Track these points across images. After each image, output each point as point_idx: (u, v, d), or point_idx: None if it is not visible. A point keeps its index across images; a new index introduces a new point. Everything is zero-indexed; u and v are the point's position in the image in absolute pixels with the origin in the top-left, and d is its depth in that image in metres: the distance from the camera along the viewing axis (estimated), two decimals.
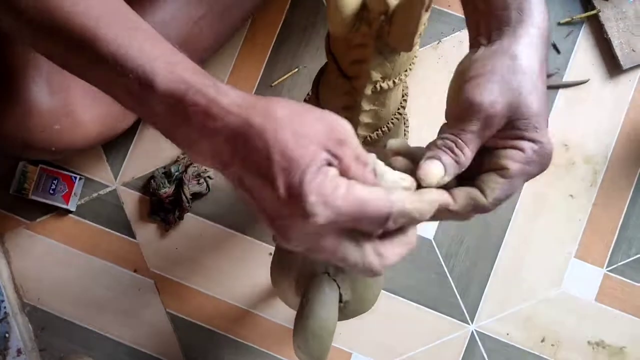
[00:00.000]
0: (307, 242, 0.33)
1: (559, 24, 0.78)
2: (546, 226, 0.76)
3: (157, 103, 0.35)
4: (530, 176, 0.37)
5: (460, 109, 0.37)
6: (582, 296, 0.75)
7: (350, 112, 0.46)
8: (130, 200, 0.78)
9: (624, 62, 0.77)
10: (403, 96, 0.49)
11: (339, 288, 0.48)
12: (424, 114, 0.77)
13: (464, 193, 0.37)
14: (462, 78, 0.38)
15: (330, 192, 0.31)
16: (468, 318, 0.75)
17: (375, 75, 0.42)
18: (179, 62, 0.36)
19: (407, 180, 0.36)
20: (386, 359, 0.75)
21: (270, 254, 0.75)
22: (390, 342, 0.75)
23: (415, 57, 0.45)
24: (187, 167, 0.75)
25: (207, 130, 0.33)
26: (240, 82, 0.78)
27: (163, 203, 0.76)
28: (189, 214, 0.77)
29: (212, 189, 0.76)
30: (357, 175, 0.33)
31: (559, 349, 0.74)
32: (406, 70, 0.44)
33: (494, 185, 0.37)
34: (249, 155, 0.32)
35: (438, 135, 0.38)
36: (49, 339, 0.77)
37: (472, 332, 0.75)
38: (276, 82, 0.78)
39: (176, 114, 0.34)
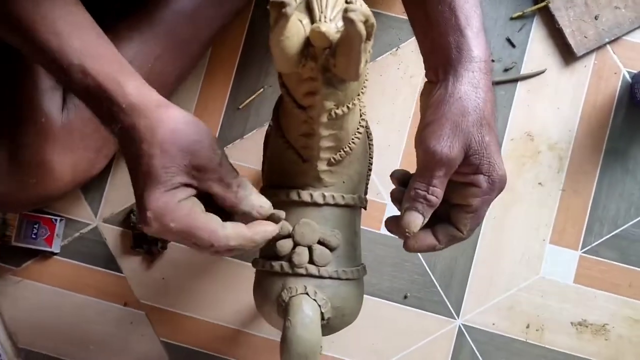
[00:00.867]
0: (153, 235, 0.42)
1: (511, 18, 0.80)
2: (519, 216, 0.78)
3: (75, 87, 0.42)
4: (490, 201, 0.44)
5: (425, 157, 0.43)
6: (561, 279, 0.77)
7: (310, 138, 0.47)
8: (112, 235, 0.79)
9: (578, 49, 0.79)
10: (361, 115, 0.51)
11: (320, 307, 0.50)
12: (389, 120, 0.79)
13: (444, 232, 0.45)
14: (422, 122, 0.45)
15: (168, 212, 0.39)
16: (454, 313, 0.77)
17: (329, 104, 0.43)
18: (101, 55, 0.43)
19: (265, 206, 0.45)
20: None
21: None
22: (380, 346, 0.77)
23: (366, 80, 0.47)
24: None
25: (110, 118, 0.41)
26: (208, 107, 0.79)
27: (145, 235, 0.77)
28: (171, 242, 0.78)
29: None
30: (218, 194, 0.42)
31: (544, 332, 0.77)
32: (359, 94, 0.46)
33: (465, 220, 0.44)
34: (129, 152, 0.41)
35: (410, 183, 0.45)
36: None
37: (459, 326, 0.77)
38: (243, 105, 0.79)
39: (89, 100, 0.43)
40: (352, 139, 0.50)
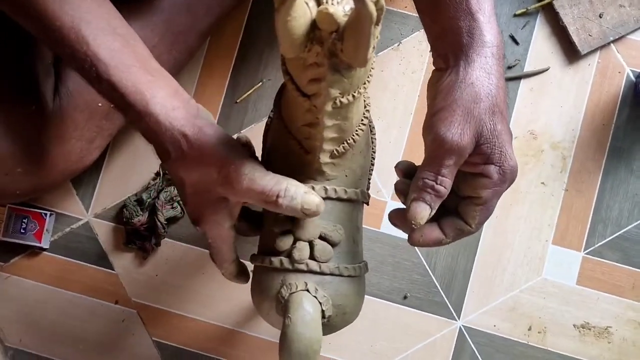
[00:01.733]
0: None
1: (515, 15, 0.79)
2: (521, 215, 0.77)
3: (103, 88, 0.42)
4: (501, 193, 0.42)
5: (434, 145, 0.41)
6: (563, 281, 0.76)
7: (313, 128, 0.45)
8: (104, 231, 0.76)
9: (582, 48, 0.78)
10: (365, 106, 0.49)
11: (321, 304, 0.48)
12: (390, 115, 0.78)
13: (451, 226, 0.43)
14: (431, 109, 0.42)
15: (209, 231, 0.46)
16: (454, 314, 0.75)
17: (334, 92, 0.42)
18: (132, 64, 0.43)
19: (313, 206, 0.44)
20: None
21: (251, 271, 0.75)
22: (380, 347, 0.75)
23: (372, 68, 0.45)
24: (159, 192, 0.74)
25: (143, 130, 0.43)
26: (205, 100, 0.77)
27: (138, 231, 0.75)
28: (165, 239, 0.76)
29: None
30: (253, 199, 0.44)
31: (546, 335, 0.75)
32: (365, 83, 0.44)
33: (474, 213, 0.42)
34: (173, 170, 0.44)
35: (418, 173, 0.43)
36: None
37: (460, 327, 0.75)
38: (241, 98, 0.78)
39: (117, 106, 0.43)
40: (356, 130, 0.48)
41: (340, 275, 0.48)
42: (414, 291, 0.76)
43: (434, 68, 0.46)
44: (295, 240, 0.48)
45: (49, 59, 0.60)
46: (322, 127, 0.45)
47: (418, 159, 0.45)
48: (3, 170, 0.58)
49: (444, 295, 0.76)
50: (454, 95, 0.41)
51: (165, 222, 0.74)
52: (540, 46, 0.79)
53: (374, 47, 0.40)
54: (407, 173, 0.46)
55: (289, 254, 0.48)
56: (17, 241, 0.74)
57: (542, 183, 0.77)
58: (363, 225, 0.53)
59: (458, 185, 0.43)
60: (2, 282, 0.76)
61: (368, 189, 0.54)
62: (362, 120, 0.49)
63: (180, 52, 0.66)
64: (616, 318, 0.75)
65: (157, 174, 0.75)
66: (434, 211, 0.42)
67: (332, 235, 0.48)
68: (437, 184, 0.41)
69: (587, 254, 0.76)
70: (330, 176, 0.48)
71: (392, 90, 0.78)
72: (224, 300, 0.76)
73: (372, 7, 0.34)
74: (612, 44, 0.78)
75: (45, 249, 0.76)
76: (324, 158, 0.47)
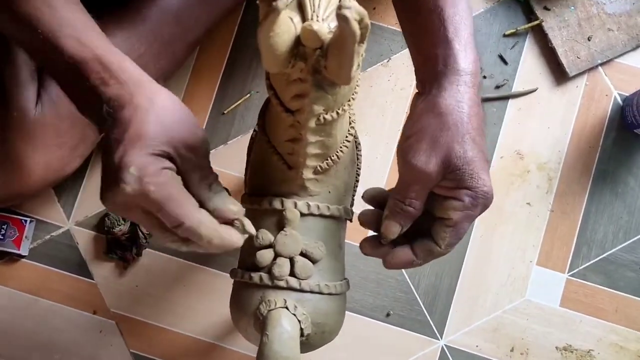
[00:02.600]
0: (115, 207, 0.38)
1: (504, 35, 0.79)
2: (506, 235, 0.76)
3: (61, 62, 0.40)
4: (473, 218, 0.42)
5: (403, 170, 0.42)
6: (547, 303, 0.76)
7: (297, 144, 0.45)
8: (84, 240, 0.75)
9: (570, 69, 0.78)
10: (350, 123, 0.49)
11: (300, 322, 0.47)
12: (378, 131, 0.77)
13: (422, 247, 0.44)
14: (403, 133, 0.43)
15: (149, 174, 0.36)
16: (437, 333, 0.75)
17: (317, 109, 0.41)
18: (89, 29, 0.41)
19: (235, 209, 0.41)
20: None
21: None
22: None
23: (358, 85, 0.45)
24: None
25: (98, 90, 0.39)
26: (192, 111, 0.76)
27: (119, 241, 0.73)
28: (147, 249, 0.75)
29: None
30: (193, 182, 0.39)
31: (529, 357, 0.75)
32: (349, 100, 0.44)
33: (444, 234, 0.42)
34: (116, 120, 0.38)
35: (392, 194, 0.44)
36: None
37: (442, 347, 0.75)
38: (229, 110, 0.77)
39: (76, 74, 0.40)
40: (340, 147, 0.48)
41: (321, 292, 0.48)
42: (396, 309, 0.75)
43: (416, 91, 0.46)
44: (276, 255, 0.47)
45: (32, 65, 0.59)
46: (306, 143, 0.44)
47: None
48: None
49: (427, 314, 0.75)
50: (422, 122, 0.42)
51: (147, 232, 0.73)
52: (529, 67, 0.79)
53: (359, 65, 0.39)
54: (373, 201, 0.47)
55: (269, 270, 0.47)
56: None
57: (528, 203, 0.77)
58: (347, 241, 0.53)
59: (432, 206, 0.44)
60: None
61: (352, 205, 0.54)
62: (346, 136, 0.48)
63: (167, 63, 0.66)
64: (599, 341, 0.75)
65: None
66: (405, 228, 0.44)
67: (313, 252, 0.47)
68: (405, 205, 0.43)
69: (571, 276, 0.76)
70: (313, 192, 0.48)
71: (380, 106, 0.78)
72: (203, 313, 0.75)
73: (355, 26, 0.33)
74: (600, 67, 0.79)
75: (24, 256, 0.75)
76: (307, 174, 0.47)
